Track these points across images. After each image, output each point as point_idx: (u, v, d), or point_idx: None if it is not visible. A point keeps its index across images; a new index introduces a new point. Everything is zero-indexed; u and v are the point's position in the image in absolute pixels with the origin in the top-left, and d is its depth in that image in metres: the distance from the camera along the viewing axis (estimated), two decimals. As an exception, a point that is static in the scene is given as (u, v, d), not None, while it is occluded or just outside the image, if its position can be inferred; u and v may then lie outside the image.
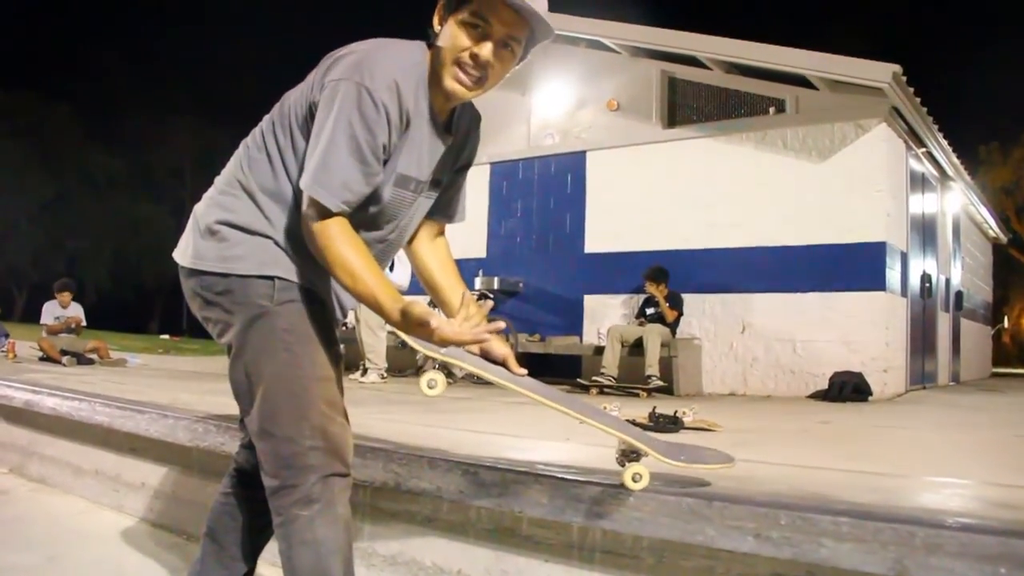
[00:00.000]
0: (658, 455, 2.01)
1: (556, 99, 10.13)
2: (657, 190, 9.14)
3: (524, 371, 2.09)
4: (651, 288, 8.37)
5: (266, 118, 2.07)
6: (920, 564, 1.73)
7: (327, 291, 2.06)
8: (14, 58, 51.04)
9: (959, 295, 12.71)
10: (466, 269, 10.08)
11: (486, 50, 1.89)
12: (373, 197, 1.94)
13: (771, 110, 8.66)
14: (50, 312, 11.53)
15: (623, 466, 2.03)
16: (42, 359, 11.10)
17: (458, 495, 2.46)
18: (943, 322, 11.50)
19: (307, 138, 1.92)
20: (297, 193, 1.94)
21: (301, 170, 1.90)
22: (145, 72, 50.01)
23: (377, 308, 1.85)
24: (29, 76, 46.80)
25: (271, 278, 1.95)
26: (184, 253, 2.05)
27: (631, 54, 9.66)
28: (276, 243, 1.97)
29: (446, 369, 1.99)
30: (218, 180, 2.10)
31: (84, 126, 44.56)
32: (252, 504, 2.20)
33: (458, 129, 2.12)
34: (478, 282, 9.96)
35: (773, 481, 2.47)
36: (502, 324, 1.88)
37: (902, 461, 3.50)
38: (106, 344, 11.77)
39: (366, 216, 1.99)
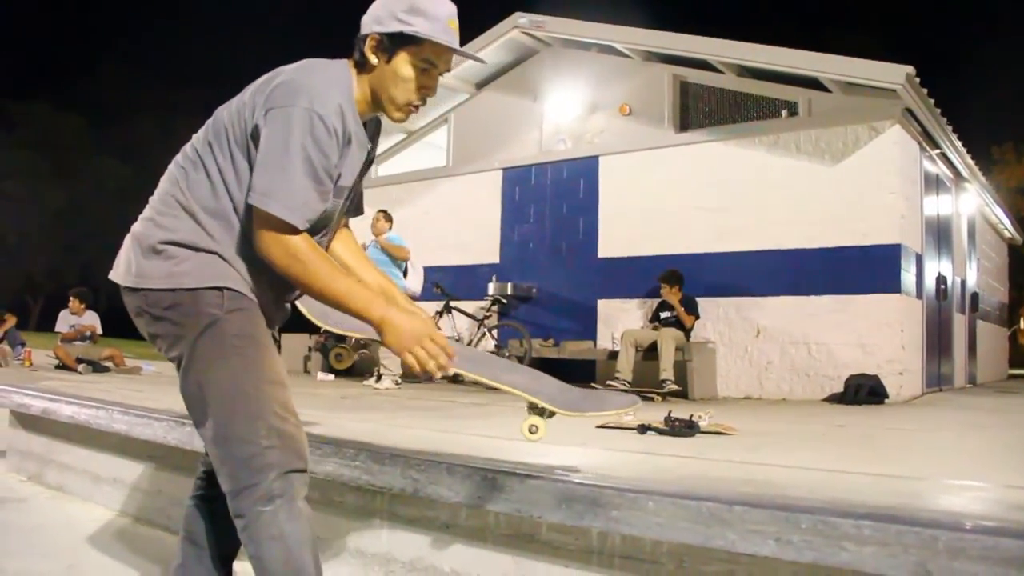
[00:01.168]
0: (557, 408, 2.10)
1: (568, 104, 10.13)
2: (670, 194, 9.13)
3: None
4: (666, 292, 8.36)
5: (198, 137, 2.13)
6: (943, 568, 1.71)
7: (266, 303, 2.12)
8: (26, 69, 51.40)
9: (975, 296, 12.64)
10: (479, 275, 10.10)
11: (435, 83, 2.09)
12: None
13: (783, 113, 8.64)
14: (65, 320, 11.59)
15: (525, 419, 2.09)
16: (58, 367, 11.17)
17: (477, 501, 2.45)
18: (959, 324, 11.44)
19: (247, 157, 1.99)
20: (239, 211, 2.01)
21: (245, 189, 1.98)
22: (155, 80, 50.31)
23: (356, 313, 1.94)
24: (41, 87, 47.14)
25: (220, 289, 2.00)
26: (126, 273, 2.09)
27: (643, 58, 9.66)
28: (222, 258, 2.02)
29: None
30: (153, 200, 2.13)
31: (95, 135, 44.91)
32: (223, 504, 2.22)
33: (369, 134, 2.20)
34: (491, 287, 9.96)
35: (792, 485, 2.46)
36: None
37: (920, 464, 3.49)
38: (121, 352, 11.82)
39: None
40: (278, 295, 2.17)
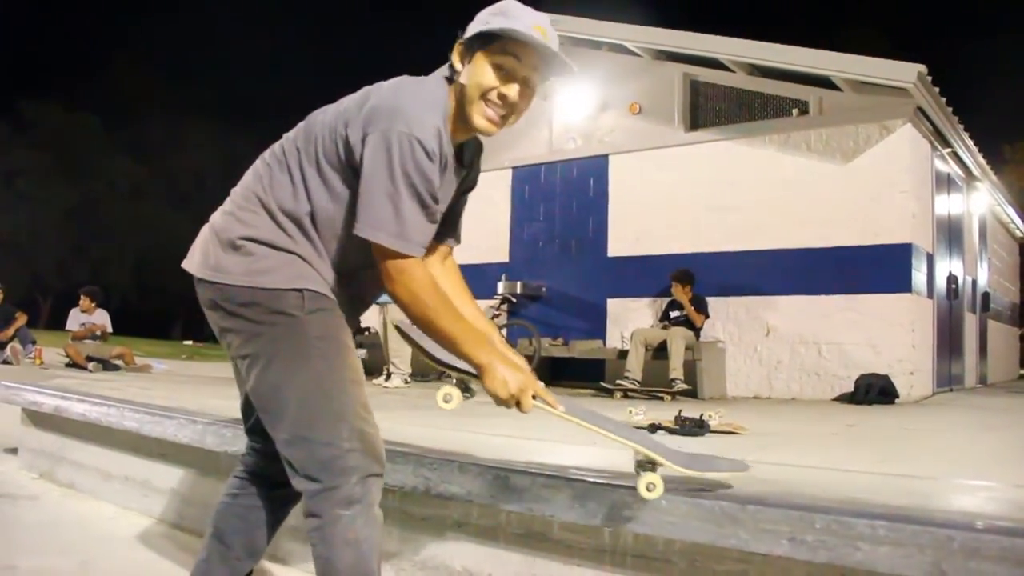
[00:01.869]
0: (673, 465, 2.02)
1: (578, 103, 10.12)
2: (680, 193, 9.11)
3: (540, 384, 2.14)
4: (677, 290, 8.34)
5: (289, 138, 2.10)
6: (959, 568, 1.71)
7: (345, 304, 2.10)
8: (38, 69, 51.63)
9: (986, 296, 12.59)
10: (489, 274, 10.09)
11: (513, 91, 2.01)
12: None
13: (794, 112, 8.61)
14: (75, 319, 11.66)
15: (638, 475, 2.03)
16: (68, 365, 11.23)
17: (489, 499, 2.45)
18: (970, 324, 11.39)
19: (337, 172, 1.98)
20: (318, 219, 2.01)
21: (330, 202, 1.99)
22: (167, 79, 50.47)
23: (464, 356, 1.95)
24: (53, 86, 47.33)
25: (300, 290, 1.99)
26: (203, 265, 2.07)
27: (653, 57, 9.64)
28: (302, 258, 2.01)
29: (463, 384, 2.04)
30: (235, 193, 2.12)
31: (108, 134, 45.07)
32: (258, 505, 2.26)
33: (466, 156, 2.20)
34: (501, 286, 9.97)
35: (805, 484, 2.45)
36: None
37: (933, 464, 3.47)
38: (131, 350, 11.90)
39: None
40: (356, 295, 2.16)
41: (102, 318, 11.84)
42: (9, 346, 12.26)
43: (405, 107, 1.91)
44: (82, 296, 11.73)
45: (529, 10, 2.01)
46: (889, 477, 2.84)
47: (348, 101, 2.03)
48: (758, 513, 1.97)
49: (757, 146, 8.69)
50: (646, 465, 2.03)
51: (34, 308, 38.17)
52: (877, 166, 7.97)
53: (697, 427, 4.17)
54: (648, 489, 1.99)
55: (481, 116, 2.01)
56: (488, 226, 10.54)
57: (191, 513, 3.78)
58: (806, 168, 8.36)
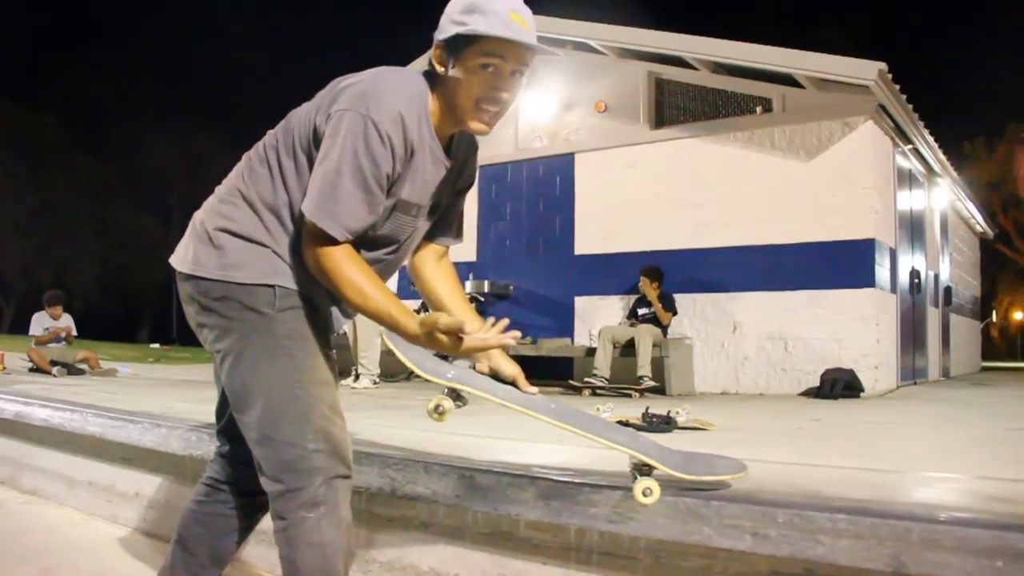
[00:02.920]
0: (671, 471, 2.01)
1: (543, 102, 10.12)
2: (646, 191, 9.16)
3: (534, 389, 2.11)
4: (645, 285, 8.37)
5: (270, 134, 2.09)
6: (917, 559, 1.73)
7: (324, 301, 2.07)
8: (0, 67, 50.86)
9: (948, 290, 12.77)
10: (456, 273, 10.05)
11: (505, 89, 1.97)
12: (376, 222, 1.98)
13: (758, 109, 8.69)
14: (39, 323, 11.51)
15: (635, 479, 2.02)
16: (32, 370, 11.07)
17: (454, 499, 2.46)
18: (933, 318, 11.56)
19: (309, 160, 1.96)
20: (295, 210, 1.98)
21: (303, 191, 1.94)
22: (131, 79, 49.79)
23: (393, 325, 1.89)
24: (14, 86, 46.57)
25: (272, 286, 1.97)
26: (183, 259, 2.05)
27: (618, 55, 9.68)
28: (275, 253, 1.99)
29: (455, 393, 2.00)
30: (219, 189, 2.12)
31: (70, 135, 44.49)
32: (224, 513, 2.23)
33: (457, 154, 2.16)
34: (469, 285, 9.95)
35: (769, 479, 2.47)
36: (517, 334, 1.89)
37: (896, 457, 3.52)
38: (96, 354, 11.75)
39: (367, 238, 2.02)
40: (332, 298, 2.10)
41: (66, 321, 11.70)
42: (-30, 351, 12.07)
43: (370, 91, 1.89)
44: (48, 305, 11.59)
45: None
46: (853, 471, 2.87)
47: (322, 91, 2.02)
48: (722, 509, 1.99)
49: (721, 143, 8.75)
50: (643, 469, 2.03)
51: (-4, 312, 37.65)
52: (840, 163, 8.06)
53: (664, 424, 4.19)
54: (644, 494, 1.98)
55: (475, 121, 1.98)
56: (455, 225, 10.50)
57: (157, 518, 3.75)
58: (770, 165, 8.44)
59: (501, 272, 10.21)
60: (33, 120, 42.51)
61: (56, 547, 3.56)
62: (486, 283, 9.95)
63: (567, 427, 2.02)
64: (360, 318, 7.79)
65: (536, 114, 10.20)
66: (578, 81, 9.93)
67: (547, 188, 10.05)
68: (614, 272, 9.23)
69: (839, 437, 4.35)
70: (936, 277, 12.03)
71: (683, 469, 2.04)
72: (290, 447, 1.92)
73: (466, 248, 10.45)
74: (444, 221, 2.30)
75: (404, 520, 2.73)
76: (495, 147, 10.45)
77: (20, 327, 23.38)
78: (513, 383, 2.14)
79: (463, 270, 10.17)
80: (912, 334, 9.89)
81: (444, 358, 2.08)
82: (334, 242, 1.87)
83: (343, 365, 9.14)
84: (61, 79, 50.57)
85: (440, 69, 1.96)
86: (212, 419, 2.32)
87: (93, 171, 44.50)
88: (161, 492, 3.77)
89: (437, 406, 1.97)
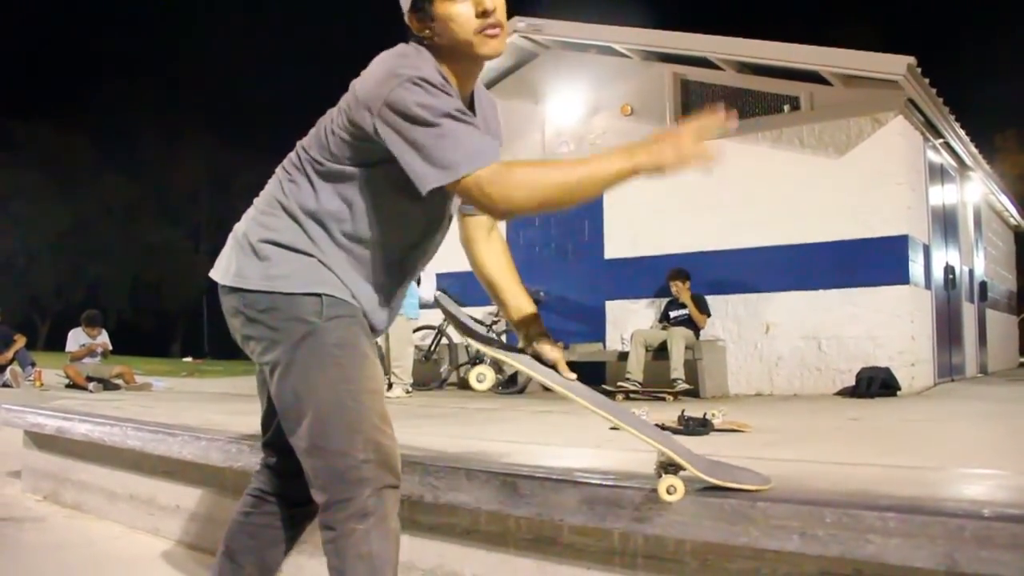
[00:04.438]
0: (698, 472, 2.00)
1: (569, 106, 10.12)
2: (674, 193, 9.10)
3: (574, 375, 2.13)
4: (678, 288, 8.36)
5: (302, 143, 2.08)
6: (971, 557, 1.70)
7: (370, 308, 2.07)
8: (30, 90, 51.63)
9: (983, 285, 12.61)
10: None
11: (491, 3, 1.86)
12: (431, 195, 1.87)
13: (786, 108, 8.63)
14: (76, 340, 11.68)
15: (659, 476, 2.01)
16: (68, 386, 11.24)
17: (497, 506, 2.44)
18: (968, 313, 11.41)
19: (348, 162, 1.94)
20: (339, 216, 1.97)
21: (346, 194, 1.95)
22: (158, 97, 50.35)
23: (621, 175, 1.78)
24: (45, 107, 47.25)
25: (319, 295, 1.96)
26: (225, 272, 2.05)
27: (642, 58, 9.66)
28: (321, 262, 1.98)
29: (496, 365, 2.02)
30: (258, 201, 2.11)
31: (100, 154, 45.07)
32: (272, 524, 2.23)
33: (480, 110, 2.12)
34: (499, 292, 9.94)
35: (813, 479, 2.45)
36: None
37: (938, 454, 3.47)
38: (131, 369, 11.90)
39: (415, 211, 2.00)
40: (381, 299, 2.11)
41: (102, 337, 11.86)
42: (9, 369, 12.26)
43: (395, 65, 1.84)
44: (86, 326, 11.74)
45: None
46: (895, 469, 2.84)
47: (345, 95, 1.97)
48: (768, 509, 1.96)
49: (750, 143, 8.69)
50: (668, 467, 2.02)
51: (32, 330, 38.17)
52: (870, 159, 7.99)
53: (701, 426, 4.17)
54: (669, 492, 1.98)
55: (487, 47, 1.89)
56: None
57: (198, 530, 3.77)
58: (800, 163, 8.38)
59: (532, 278, 10.15)
60: (63, 141, 43.14)
61: (99, 561, 3.61)
62: (517, 289, 9.90)
63: (605, 414, 2.01)
64: (394, 327, 7.76)
65: (562, 119, 10.21)
66: (603, 85, 9.92)
67: (575, 193, 10.00)
68: (645, 275, 9.20)
69: (879, 436, 4.30)
70: (971, 272, 11.88)
71: (709, 472, 2.02)
72: (340, 457, 1.90)
73: (495, 255, 10.45)
74: None
75: (446, 527, 2.73)
76: (522, 152, 10.46)
77: (55, 344, 23.65)
78: (554, 367, 2.16)
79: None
80: (948, 330, 9.77)
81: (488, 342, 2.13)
82: (496, 170, 1.75)
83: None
84: (90, 100, 51.26)
85: (426, 33, 1.91)
86: (250, 430, 2.33)
87: (123, 190, 45.09)
88: (202, 504, 3.80)
89: (479, 374, 1.97)
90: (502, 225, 8.68)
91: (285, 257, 1.98)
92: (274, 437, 2.18)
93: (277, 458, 2.21)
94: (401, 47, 1.95)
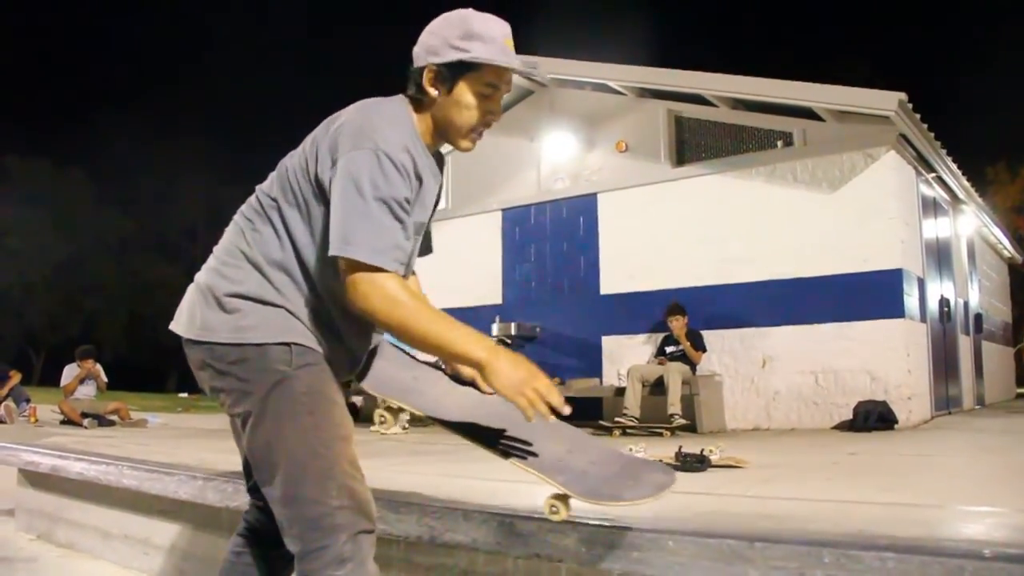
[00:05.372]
0: (575, 494, 2.02)
1: (564, 143, 10.19)
2: (670, 229, 9.16)
3: (490, 390, 2.12)
4: (673, 323, 8.37)
5: (263, 189, 2.09)
6: (971, 598, 1.70)
7: (338, 354, 2.09)
8: (27, 124, 51.80)
9: (978, 317, 12.63)
10: (483, 316, 10.08)
11: (497, 113, 2.04)
12: None
13: (779, 144, 8.70)
14: (71, 375, 11.62)
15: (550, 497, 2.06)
16: (63, 422, 11.17)
17: (495, 546, 2.44)
18: (964, 345, 11.42)
19: (315, 208, 1.97)
20: (305, 264, 1.99)
21: (314, 242, 1.97)
22: (155, 133, 50.48)
23: (463, 357, 1.89)
24: (40, 141, 47.36)
25: (288, 344, 1.97)
26: (190, 325, 2.04)
27: (637, 95, 9.74)
28: (289, 311, 1.99)
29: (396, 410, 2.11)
30: (218, 250, 2.10)
31: (96, 189, 45.09)
32: (263, 562, 2.23)
33: (439, 164, 2.19)
34: (495, 328, 9.94)
35: (811, 518, 2.45)
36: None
37: (937, 490, 3.47)
38: (126, 405, 11.84)
39: None
40: (348, 348, 2.13)
41: (96, 369, 11.83)
42: (3, 405, 12.18)
43: (368, 126, 1.91)
44: (80, 359, 11.70)
45: (494, 20, 1.99)
46: (894, 506, 2.83)
47: (312, 136, 2.02)
48: (766, 550, 1.96)
49: (744, 179, 8.76)
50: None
51: (27, 364, 38.04)
52: (863, 194, 8.04)
53: (698, 463, 4.16)
54: (552, 511, 2.02)
55: (468, 142, 2.05)
56: (480, 268, 10.56)
57: (193, 570, 3.75)
58: (793, 199, 8.43)
59: (527, 314, 10.20)
60: (59, 175, 43.22)
61: (94, 602, 3.57)
62: (513, 325, 9.92)
63: (486, 448, 2.11)
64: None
65: (557, 156, 10.27)
66: (598, 122, 10.00)
67: (571, 229, 10.07)
68: (641, 311, 9.22)
69: (876, 472, 4.30)
70: (966, 304, 11.91)
71: (588, 494, 2.01)
72: (313, 504, 1.89)
73: (491, 291, 10.48)
74: (423, 240, 2.30)
75: (443, 568, 2.72)
76: (518, 189, 10.53)
77: (50, 379, 23.54)
78: (472, 383, 2.22)
79: (489, 313, 10.19)
80: (944, 363, 9.77)
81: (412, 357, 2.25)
82: (384, 276, 1.84)
83: (369, 411, 9.17)
84: (86, 135, 51.48)
85: (433, 92, 1.99)
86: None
87: (119, 224, 45.05)
88: (198, 545, 3.78)
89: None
90: (493, 255, 8.58)
91: (253, 309, 1.98)
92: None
93: (264, 501, 2.20)
94: (384, 106, 2.01)
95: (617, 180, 9.71)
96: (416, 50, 2.02)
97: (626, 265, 9.50)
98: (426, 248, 2.33)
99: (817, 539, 1.97)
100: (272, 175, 2.09)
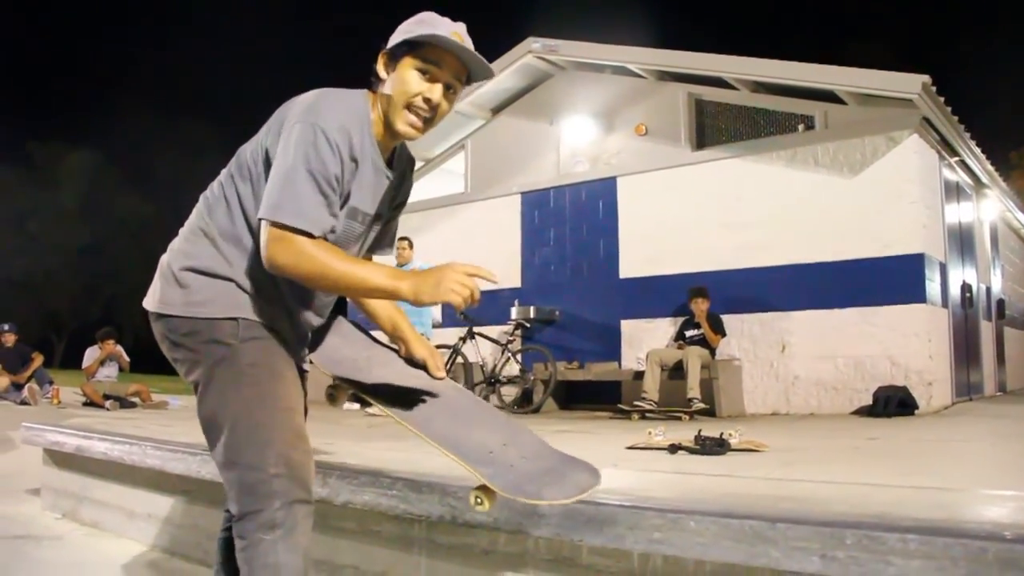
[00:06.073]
0: (493, 486, 2.01)
1: (584, 126, 10.17)
2: (689, 212, 9.13)
3: (442, 374, 2.34)
4: (695, 304, 8.37)
5: (224, 171, 2.21)
6: (994, 580, 1.70)
7: (288, 330, 2.17)
8: (47, 110, 52.10)
9: (1000, 303, 12.53)
10: (501, 299, 10.09)
11: (436, 93, 2.08)
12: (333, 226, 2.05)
13: (800, 127, 8.64)
14: (92, 358, 11.71)
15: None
16: (86, 404, 11.28)
17: (516, 526, 2.45)
18: (986, 331, 11.34)
19: (263, 182, 2.04)
20: (254, 234, 2.07)
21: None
22: (175, 116, 50.72)
23: (379, 290, 1.95)
24: (60, 127, 47.68)
25: (235, 319, 2.06)
26: (152, 299, 2.16)
27: (657, 78, 9.69)
28: (238, 286, 2.09)
29: (362, 401, 2.16)
30: (182, 231, 2.21)
31: (117, 173, 45.32)
32: None
33: (396, 168, 2.26)
34: (514, 312, 9.96)
35: (832, 500, 2.44)
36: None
37: (958, 475, 3.45)
38: (147, 387, 11.93)
39: (345, 235, 2.14)
40: (297, 322, 2.22)
41: (118, 349, 11.93)
42: (27, 387, 12.32)
43: (316, 105, 2.01)
44: (101, 341, 11.80)
45: (446, 20, 2.10)
46: (915, 490, 2.82)
47: (271, 119, 2.11)
48: (788, 531, 1.96)
49: (764, 163, 8.71)
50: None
51: (48, 347, 38.34)
52: (885, 178, 7.98)
53: (718, 446, 4.15)
54: (476, 502, 2.04)
55: (404, 123, 2.08)
56: (499, 252, 10.55)
57: (214, 549, 3.78)
58: (814, 183, 8.37)
59: (546, 298, 10.21)
60: (79, 160, 43.45)
61: (119, 579, 3.62)
62: (532, 309, 9.93)
63: (426, 439, 2.11)
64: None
65: (577, 139, 10.25)
66: (618, 105, 9.96)
67: (590, 212, 10.05)
68: (660, 295, 9.20)
69: (897, 456, 4.28)
70: (988, 290, 11.82)
71: (512, 489, 2.00)
72: (251, 471, 1.98)
73: (511, 274, 10.48)
74: (382, 233, 2.39)
75: (465, 548, 2.73)
76: (537, 173, 10.52)
77: (71, 362, 23.73)
78: (423, 366, 2.34)
79: (508, 296, 10.20)
80: (965, 349, 9.71)
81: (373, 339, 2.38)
82: (299, 235, 1.92)
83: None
84: (106, 119, 51.73)
85: (383, 74, 2.11)
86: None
87: (139, 209, 45.28)
88: (220, 523, 3.80)
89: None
90: (512, 238, 8.60)
91: (204, 283, 2.08)
92: None
93: None
94: (341, 93, 2.12)
95: (636, 164, 9.68)
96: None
97: (645, 249, 9.48)
98: (388, 244, 2.45)
99: (839, 520, 1.96)
100: (232, 158, 2.21)
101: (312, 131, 1.94)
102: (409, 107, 2.07)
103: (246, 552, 1.96)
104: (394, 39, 2.09)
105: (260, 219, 1.95)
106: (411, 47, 2.06)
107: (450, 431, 2.14)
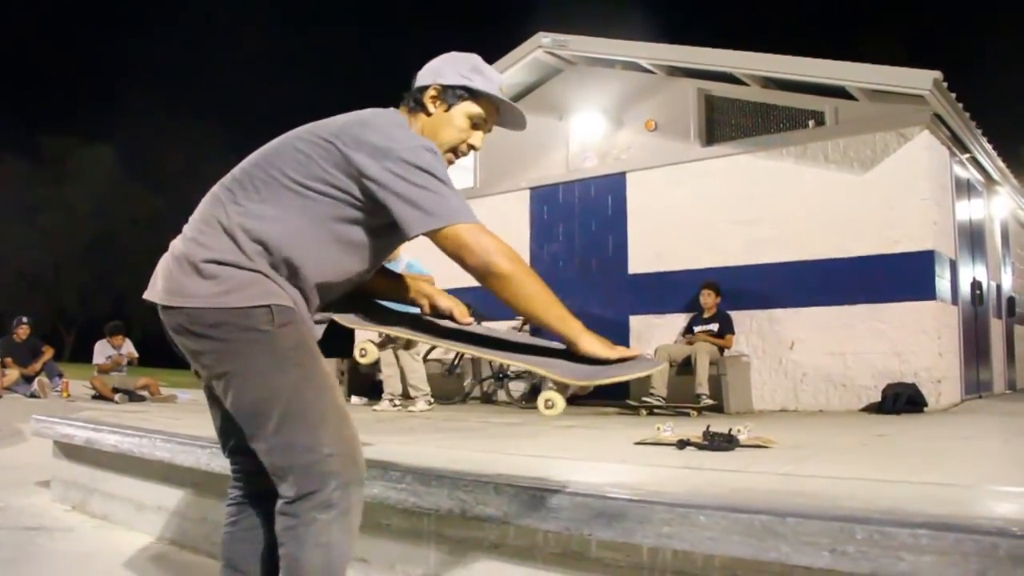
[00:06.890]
0: (562, 378, 2.17)
1: (593, 122, 10.16)
2: (699, 208, 9.11)
3: (470, 320, 2.46)
4: (706, 298, 8.37)
5: (250, 161, 2.18)
6: (1005, 575, 1.69)
7: (309, 317, 2.19)
8: (57, 104, 52.24)
9: (1011, 301, 12.48)
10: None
11: (479, 141, 2.31)
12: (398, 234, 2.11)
13: (810, 123, 8.61)
14: (102, 352, 11.78)
15: (541, 392, 2.13)
16: (95, 397, 11.34)
17: (525, 520, 2.45)
18: (996, 329, 11.30)
19: (313, 189, 2.07)
20: (284, 241, 2.06)
21: (312, 225, 2.08)
22: (184, 109, 50.88)
23: (556, 326, 2.23)
24: (70, 121, 47.83)
25: (267, 306, 2.03)
26: (166, 292, 2.09)
27: (667, 73, 9.67)
28: (266, 276, 2.06)
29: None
30: (194, 219, 2.17)
31: (126, 167, 45.48)
32: (262, 523, 2.28)
33: None
34: (523, 307, 9.93)
35: (843, 496, 2.44)
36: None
37: (968, 471, 3.44)
38: (156, 381, 11.98)
39: (380, 248, 2.23)
40: (311, 310, 2.22)
41: (126, 346, 11.98)
42: (36, 380, 12.38)
43: (405, 132, 2.12)
44: (110, 335, 11.86)
45: (493, 69, 2.28)
46: (925, 486, 2.81)
47: (323, 127, 2.12)
48: (798, 526, 1.96)
49: (774, 158, 8.68)
50: (547, 383, 2.11)
51: (58, 341, 38.49)
52: (896, 174, 7.95)
53: (726, 442, 4.14)
54: (547, 406, 2.09)
55: (444, 159, 2.19)
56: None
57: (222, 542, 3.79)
58: (824, 179, 8.35)
59: (555, 292, 10.16)
60: (88, 154, 43.59)
61: (127, 571, 3.63)
62: (540, 304, 9.89)
63: (482, 353, 2.29)
64: (405, 339, 7.69)
65: (586, 134, 10.24)
66: (627, 100, 9.95)
67: (599, 208, 10.04)
68: (669, 290, 9.19)
69: (906, 452, 4.27)
70: (998, 288, 11.77)
71: (579, 376, 2.15)
72: (306, 452, 1.98)
73: (519, 270, 10.44)
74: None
75: (474, 541, 2.74)
76: (546, 168, 10.51)
77: (81, 355, 23.85)
78: (451, 316, 2.45)
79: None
80: (975, 346, 9.67)
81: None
82: (480, 226, 2.04)
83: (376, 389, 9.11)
84: (116, 113, 51.86)
85: (431, 108, 2.25)
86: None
87: (148, 202, 45.42)
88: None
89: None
90: (521, 234, 8.53)
91: (231, 274, 2.04)
92: (239, 443, 2.22)
93: (247, 460, 2.24)
94: (399, 116, 2.20)
95: (646, 159, 9.66)
96: (422, 72, 2.28)
97: (654, 244, 9.47)
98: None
99: (849, 515, 1.96)
100: (261, 150, 2.19)
101: (422, 149, 2.04)
102: (454, 150, 2.27)
103: (296, 530, 1.97)
104: (448, 76, 2.23)
105: (441, 227, 2.01)
106: (470, 94, 2.23)
107: (503, 346, 2.30)
